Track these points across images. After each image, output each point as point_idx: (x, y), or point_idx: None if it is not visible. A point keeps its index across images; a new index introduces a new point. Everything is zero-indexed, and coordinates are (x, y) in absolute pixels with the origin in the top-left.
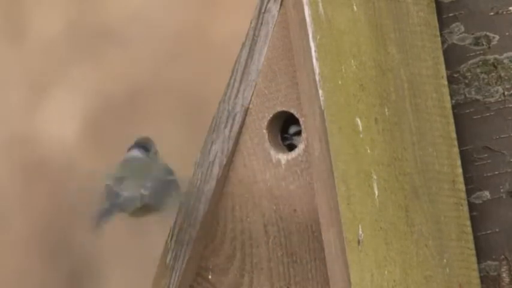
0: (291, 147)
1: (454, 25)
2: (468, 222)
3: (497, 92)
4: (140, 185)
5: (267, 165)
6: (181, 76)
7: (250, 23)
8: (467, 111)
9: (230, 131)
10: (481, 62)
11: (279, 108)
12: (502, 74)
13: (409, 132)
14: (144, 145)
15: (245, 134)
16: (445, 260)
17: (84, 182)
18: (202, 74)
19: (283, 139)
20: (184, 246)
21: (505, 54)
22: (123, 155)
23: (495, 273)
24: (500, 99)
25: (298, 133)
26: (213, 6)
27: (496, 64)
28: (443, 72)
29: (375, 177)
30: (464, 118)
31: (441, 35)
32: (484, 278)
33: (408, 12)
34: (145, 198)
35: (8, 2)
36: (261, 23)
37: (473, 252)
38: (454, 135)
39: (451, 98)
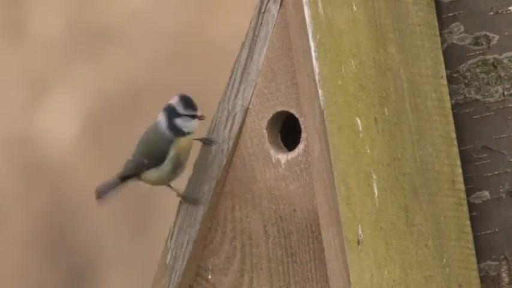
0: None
1: (453, 25)
2: (468, 222)
3: (496, 91)
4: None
5: (266, 165)
6: (181, 76)
7: (250, 23)
8: (467, 111)
9: (230, 131)
10: (480, 62)
11: (279, 108)
12: (502, 74)
13: (408, 132)
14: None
15: (245, 134)
16: (444, 260)
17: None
18: (202, 74)
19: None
20: (184, 246)
21: (504, 54)
22: (123, 154)
23: (495, 273)
24: (500, 99)
25: None
26: (213, 6)
27: (495, 64)
28: (443, 72)
29: (374, 177)
30: (464, 118)
31: (441, 34)
32: (483, 278)
33: (408, 12)
34: (123, 173)
35: (8, 2)
36: (261, 23)
37: (473, 252)
38: (453, 135)
39: (451, 98)
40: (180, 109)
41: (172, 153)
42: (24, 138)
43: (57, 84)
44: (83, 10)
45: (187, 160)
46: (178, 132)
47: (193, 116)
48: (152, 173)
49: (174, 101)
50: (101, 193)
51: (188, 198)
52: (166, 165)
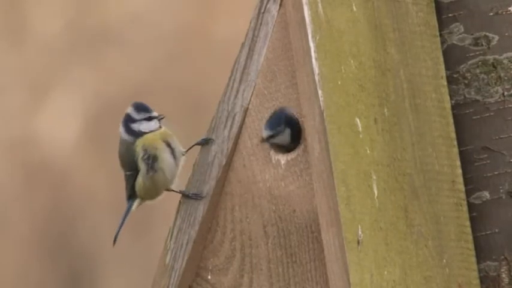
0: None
1: (453, 25)
2: (468, 223)
3: (496, 92)
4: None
5: (266, 166)
6: (181, 76)
7: (250, 23)
8: (467, 111)
9: (229, 132)
10: (480, 63)
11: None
12: (502, 75)
13: (408, 132)
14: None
15: (244, 135)
16: (444, 260)
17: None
18: (202, 74)
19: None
20: (183, 246)
21: (504, 55)
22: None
23: (495, 274)
24: (499, 100)
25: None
26: (213, 6)
27: (495, 64)
28: (443, 72)
29: (374, 177)
30: (464, 118)
31: (441, 35)
32: (483, 278)
33: (408, 12)
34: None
35: (8, 2)
36: (261, 24)
37: (473, 252)
38: (453, 135)
39: (451, 99)
40: (135, 115)
41: (138, 151)
42: (25, 139)
43: (57, 85)
44: (83, 11)
45: (165, 153)
46: (137, 135)
47: (149, 118)
48: (140, 182)
49: (129, 109)
50: (116, 236)
51: (190, 194)
52: (141, 166)
